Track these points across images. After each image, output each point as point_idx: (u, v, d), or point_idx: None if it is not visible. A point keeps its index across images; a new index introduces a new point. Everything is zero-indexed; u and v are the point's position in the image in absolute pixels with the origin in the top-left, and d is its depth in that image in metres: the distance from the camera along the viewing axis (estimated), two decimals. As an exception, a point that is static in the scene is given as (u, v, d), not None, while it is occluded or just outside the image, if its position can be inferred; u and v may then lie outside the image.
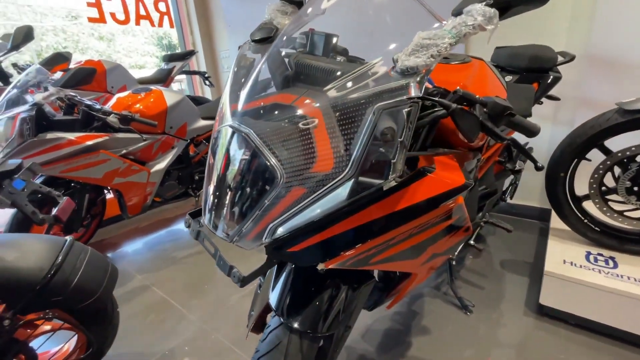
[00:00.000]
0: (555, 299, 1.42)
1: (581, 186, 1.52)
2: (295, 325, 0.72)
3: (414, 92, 0.56)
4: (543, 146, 2.13)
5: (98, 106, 1.90)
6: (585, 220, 1.53)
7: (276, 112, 0.62)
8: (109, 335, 1.26)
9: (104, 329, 1.23)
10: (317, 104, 0.59)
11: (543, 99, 1.81)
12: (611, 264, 1.41)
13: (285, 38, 0.76)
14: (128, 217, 2.32)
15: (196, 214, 0.74)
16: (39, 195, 1.05)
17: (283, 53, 0.74)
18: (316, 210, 0.56)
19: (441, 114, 0.79)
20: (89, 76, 1.89)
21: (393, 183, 0.56)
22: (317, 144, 0.56)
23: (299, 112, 0.60)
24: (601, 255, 1.48)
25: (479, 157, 1.11)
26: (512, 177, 1.98)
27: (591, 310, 1.35)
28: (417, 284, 1.25)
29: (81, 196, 2.08)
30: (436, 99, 0.75)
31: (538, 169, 0.81)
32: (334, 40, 0.74)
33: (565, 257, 1.49)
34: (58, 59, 2.34)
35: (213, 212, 0.64)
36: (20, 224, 1.81)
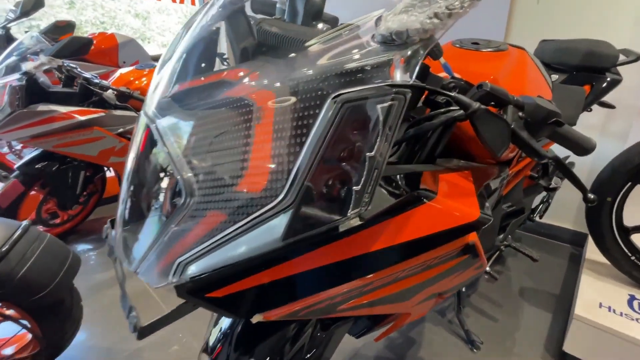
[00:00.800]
0: (584, 349, 1.18)
1: (632, 215, 1.24)
2: None
3: (398, 75, 0.36)
4: (584, 161, 1.82)
5: (96, 80, 1.79)
6: (633, 257, 1.26)
7: (213, 96, 0.44)
8: (68, 330, 1.16)
9: (61, 323, 1.12)
10: (266, 86, 0.40)
11: (594, 106, 1.52)
12: (662, 315, 1.15)
13: None
14: (126, 198, 2.24)
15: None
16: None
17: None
18: (240, 249, 0.38)
19: (457, 115, 0.58)
20: (85, 47, 1.78)
21: (356, 222, 0.37)
22: (254, 148, 0.37)
23: (241, 96, 0.41)
24: (649, 302, 1.21)
25: (506, 174, 0.89)
26: (544, 193, 1.71)
27: (629, 370, 1.10)
28: (416, 319, 1.06)
29: (76, 173, 2.00)
30: (451, 94, 0.54)
31: (588, 200, 0.59)
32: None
33: (602, 299, 1.23)
34: (65, 28, 2.27)
35: (122, 226, 0.47)
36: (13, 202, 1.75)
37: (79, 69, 1.83)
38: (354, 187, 0.36)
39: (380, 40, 0.37)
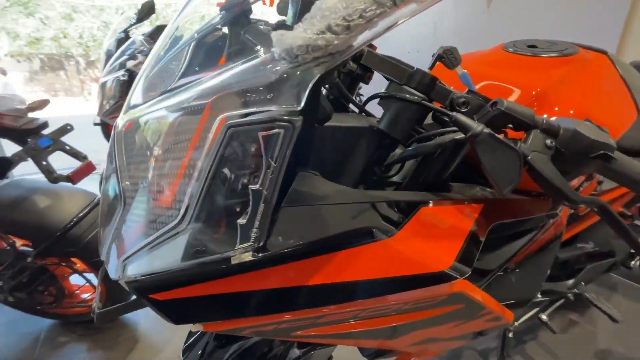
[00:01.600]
0: None
1: None
2: None
3: (285, 99, 0.31)
4: None
5: (182, 77, 2.06)
6: None
7: (166, 103, 0.45)
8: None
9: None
10: (211, 91, 0.38)
11: None
12: None
13: None
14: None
15: None
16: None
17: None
18: (157, 261, 0.39)
19: (459, 138, 0.49)
20: (172, 48, 2.05)
21: (247, 257, 0.34)
22: (185, 158, 0.37)
23: (194, 97, 0.40)
24: None
25: (560, 209, 0.71)
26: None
27: None
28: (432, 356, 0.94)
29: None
30: (451, 112, 0.46)
31: None
32: None
33: None
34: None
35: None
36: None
37: (170, 67, 2.13)
38: (239, 221, 0.33)
39: (278, 58, 0.32)
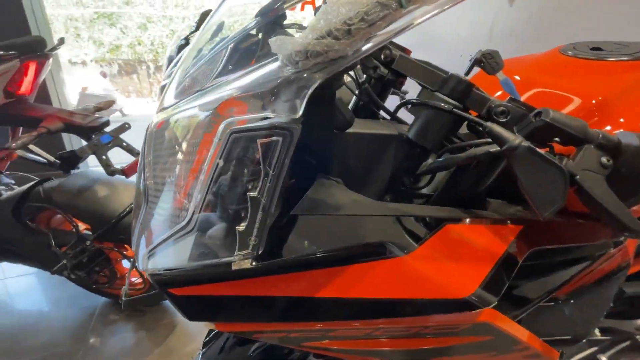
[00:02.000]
0: None
1: None
2: None
3: (283, 107, 0.29)
4: None
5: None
6: None
7: (191, 103, 0.46)
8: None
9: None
10: (222, 96, 0.39)
11: None
12: None
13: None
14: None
15: None
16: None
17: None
18: (171, 258, 0.40)
19: (495, 151, 0.44)
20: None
21: (246, 264, 0.33)
22: (196, 161, 0.38)
23: (209, 101, 0.41)
24: None
25: (621, 241, 0.61)
26: None
27: None
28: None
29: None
30: (486, 122, 0.43)
31: None
32: None
33: None
34: (223, 38, 2.82)
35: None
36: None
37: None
38: (238, 228, 0.32)
39: (282, 64, 0.31)
